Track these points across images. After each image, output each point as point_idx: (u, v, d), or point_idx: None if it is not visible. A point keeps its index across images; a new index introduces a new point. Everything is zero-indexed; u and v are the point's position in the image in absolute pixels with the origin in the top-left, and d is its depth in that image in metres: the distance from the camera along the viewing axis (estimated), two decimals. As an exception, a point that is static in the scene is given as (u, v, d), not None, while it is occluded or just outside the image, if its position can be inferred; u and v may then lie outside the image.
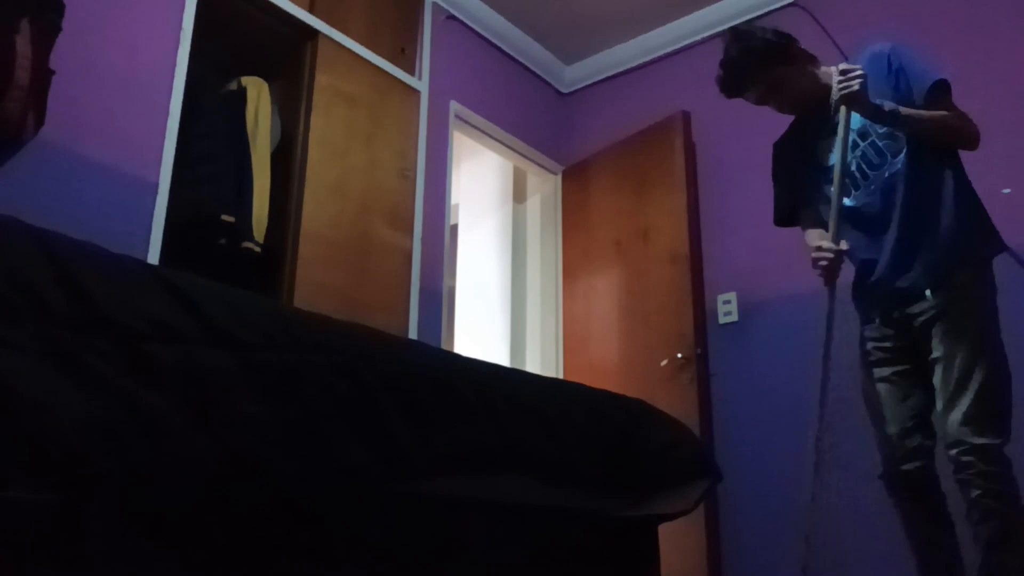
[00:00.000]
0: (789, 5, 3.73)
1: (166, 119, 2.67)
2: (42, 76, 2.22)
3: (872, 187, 2.17)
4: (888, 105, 2.05)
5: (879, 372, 2.18)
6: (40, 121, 2.26)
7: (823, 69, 2.25)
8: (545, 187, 4.44)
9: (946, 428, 2.00)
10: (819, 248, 2.16)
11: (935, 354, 2.04)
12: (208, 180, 2.89)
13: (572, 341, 4.06)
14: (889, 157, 2.16)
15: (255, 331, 1.16)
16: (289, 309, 2.08)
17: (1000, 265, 2.88)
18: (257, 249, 2.93)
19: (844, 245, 2.16)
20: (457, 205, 4.54)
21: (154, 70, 2.69)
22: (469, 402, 1.42)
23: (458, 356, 1.68)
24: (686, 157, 3.72)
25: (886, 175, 2.15)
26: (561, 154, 4.42)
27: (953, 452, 1.97)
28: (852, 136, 2.17)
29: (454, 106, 3.80)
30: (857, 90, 2.01)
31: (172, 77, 2.72)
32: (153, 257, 2.53)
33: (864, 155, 2.19)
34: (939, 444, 2.09)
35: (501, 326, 4.27)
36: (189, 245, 2.81)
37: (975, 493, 1.94)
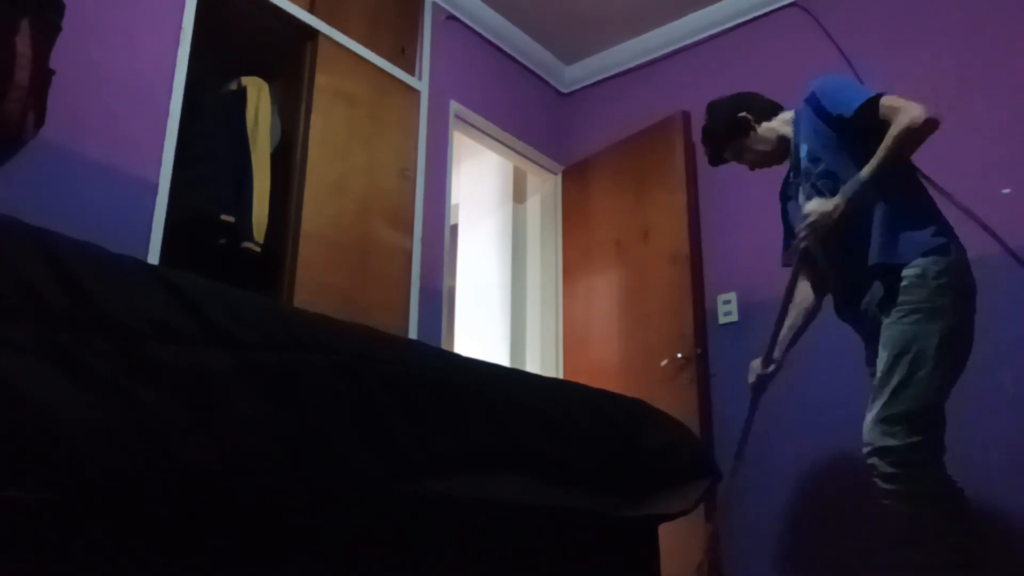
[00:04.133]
0: (789, 5, 3.73)
1: (166, 119, 2.67)
2: (42, 76, 2.22)
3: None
4: (848, 190, 2.15)
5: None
6: (40, 121, 2.26)
7: (782, 115, 2.46)
8: (545, 187, 4.44)
9: (864, 428, 2.08)
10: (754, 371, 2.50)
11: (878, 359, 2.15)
12: (208, 180, 2.89)
13: (572, 341, 4.06)
14: (828, 196, 2.24)
15: (255, 331, 1.16)
16: (289, 309, 2.08)
17: (1000, 265, 2.89)
18: (257, 249, 2.93)
19: (771, 368, 2.48)
20: (457, 205, 4.54)
21: (154, 70, 2.68)
22: (469, 402, 1.42)
23: (458, 356, 1.68)
24: (686, 157, 3.72)
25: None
26: (561, 154, 4.42)
27: (863, 451, 2.05)
28: (806, 183, 2.34)
29: (454, 106, 3.80)
30: (810, 243, 2.22)
31: (172, 77, 2.72)
32: (153, 257, 2.53)
33: (808, 196, 2.30)
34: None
35: (501, 326, 4.27)
36: (189, 245, 2.81)
37: (880, 494, 2.01)
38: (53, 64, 2.26)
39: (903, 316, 2.07)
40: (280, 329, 1.21)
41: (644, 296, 3.72)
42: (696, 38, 4.05)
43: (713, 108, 2.57)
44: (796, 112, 2.41)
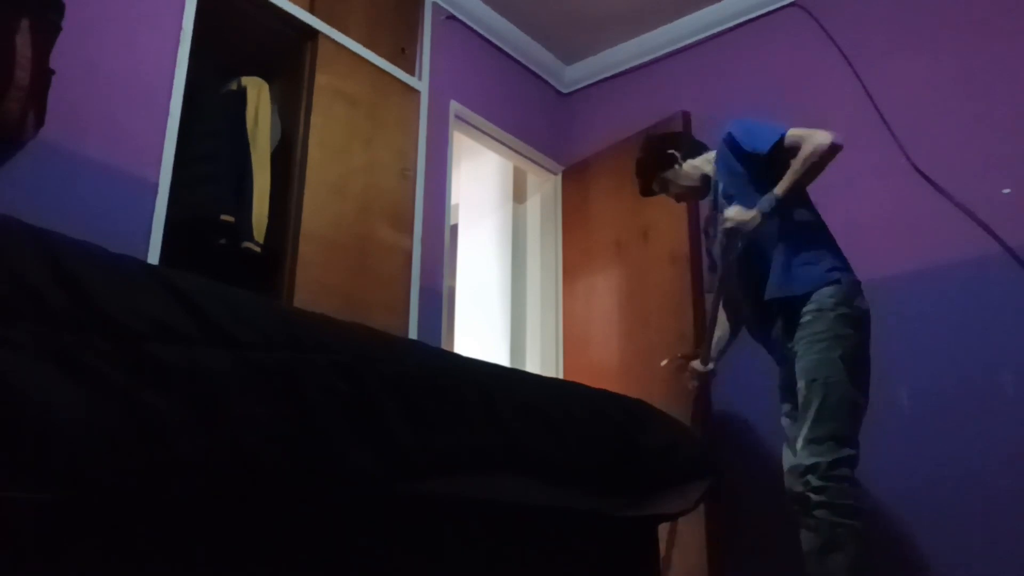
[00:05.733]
0: (789, 5, 3.73)
1: (166, 119, 2.67)
2: (42, 76, 2.22)
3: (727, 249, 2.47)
4: (764, 204, 2.30)
5: (781, 405, 2.48)
6: (40, 121, 2.26)
7: (706, 155, 2.66)
8: (545, 187, 4.44)
9: (797, 455, 2.24)
10: (694, 371, 2.68)
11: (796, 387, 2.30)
12: (208, 180, 2.89)
13: (572, 341, 4.06)
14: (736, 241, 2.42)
15: (255, 331, 1.16)
16: (289, 309, 2.08)
17: (1000, 265, 2.89)
18: (257, 249, 2.93)
19: (711, 366, 2.67)
20: (457, 205, 4.53)
21: (154, 70, 2.68)
22: (469, 402, 1.42)
23: (458, 356, 1.68)
24: (686, 157, 3.72)
25: (739, 250, 2.43)
26: (561, 154, 4.42)
27: (797, 474, 2.22)
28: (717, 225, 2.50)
29: (454, 106, 3.80)
30: (731, 234, 2.35)
31: (172, 77, 2.71)
32: (153, 257, 2.53)
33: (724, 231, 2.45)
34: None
35: (501, 326, 4.27)
36: (189, 245, 2.81)
37: (810, 506, 2.16)
38: (53, 64, 2.26)
39: (809, 346, 2.25)
40: (280, 329, 1.21)
41: (644, 296, 3.72)
42: (696, 38, 4.05)
43: (645, 142, 2.82)
44: (717, 152, 2.57)
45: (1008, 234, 2.89)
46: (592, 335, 3.96)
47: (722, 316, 2.67)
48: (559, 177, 4.40)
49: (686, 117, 3.79)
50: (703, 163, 2.65)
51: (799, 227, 2.37)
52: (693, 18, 4.06)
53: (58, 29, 2.28)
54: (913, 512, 2.81)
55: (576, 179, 4.29)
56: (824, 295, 2.26)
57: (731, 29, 3.92)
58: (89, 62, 2.48)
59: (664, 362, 3.50)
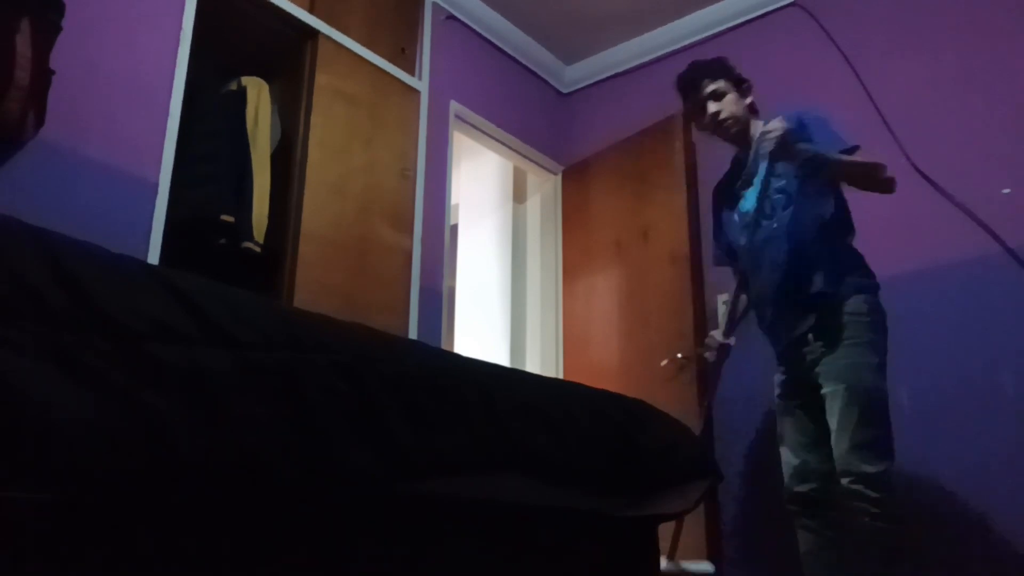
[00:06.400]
0: (789, 5, 3.73)
1: (166, 119, 2.67)
2: (42, 76, 2.22)
3: (764, 237, 2.40)
4: (811, 150, 2.24)
5: (784, 404, 2.44)
6: (40, 121, 2.26)
7: (756, 120, 2.53)
8: (545, 187, 4.44)
9: (837, 460, 2.20)
10: (710, 340, 2.67)
11: (824, 389, 2.26)
12: (208, 180, 2.89)
13: (572, 341, 4.06)
14: (779, 211, 2.36)
15: (255, 331, 1.16)
16: (289, 309, 2.08)
17: (1000, 265, 2.89)
18: (257, 249, 2.93)
19: (732, 340, 2.63)
20: (457, 205, 4.53)
21: (154, 70, 2.68)
22: (469, 402, 1.42)
23: (458, 356, 1.68)
24: (686, 157, 3.72)
25: (775, 226, 2.37)
26: (561, 154, 4.42)
27: (844, 480, 2.17)
28: (758, 190, 2.41)
29: (454, 106, 3.80)
30: (783, 136, 2.21)
31: (172, 77, 2.72)
32: (153, 257, 2.53)
33: (762, 209, 2.41)
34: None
35: (501, 326, 4.27)
36: (189, 245, 2.81)
37: (863, 518, 2.13)
38: (53, 64, 2.26)
39: (848, 349, 2.23)
40: (280, 329, 1.21)
41: (644, 296, 3.72)
42: (696, 38, 4.05)
43: (719, 58, 2.63)
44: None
45: (1008, 234, 2.89)
46: (592, 335, 3.96)
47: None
48: (559, 177, 4.40)
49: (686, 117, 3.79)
50: (751, 118, 2.53)
51: (841, 226, 2.36)
52: (693, 18, 4.06)
53: (58, 29, 2.28)
54: (913, 512, 2.81)
55: (576, 179, 4.29)
56: (861, 300, 2.27)
57: (731, 29, 3.92)
58: (89, 62, 2.48)
59: (664, 362, 3.51)
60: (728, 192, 2.59)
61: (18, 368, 0.90)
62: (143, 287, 1.08)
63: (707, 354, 2.70)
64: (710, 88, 2.49)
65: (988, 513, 2.69)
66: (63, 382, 0.93)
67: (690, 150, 3.75)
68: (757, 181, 2.42)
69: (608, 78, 4.43)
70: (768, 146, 2.22)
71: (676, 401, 3.19)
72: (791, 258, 2.34)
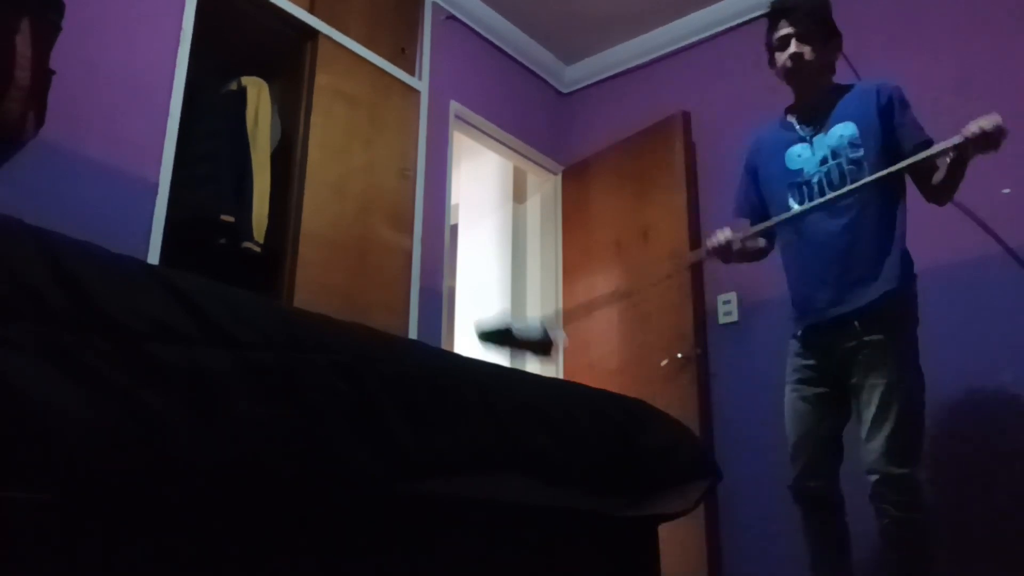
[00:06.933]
0: (789, 5, 3.72)
1: (166, 119, 2.67)
2: (42, 76, 2.22)
3: (824, 208, 2.27)
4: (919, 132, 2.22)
5: (801, 390, 2.31)
6: (40, 121, 2.26)
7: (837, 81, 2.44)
8: (545, 187, 4.44)
9: (864, 455, 2.12)
10: (721, 237, 2.39)
11: (854, 380, 2.17)
12: (208, 180, 2.89)
13: (572, 341, 4.06)
14: (848, 182, 2.25)
15: (255, 331, 1.16)
16: (289, 309, 2.08)
17: (1000, 265, 2.89)
18: (257, 249, 2.93)
19: (762, 243, 2.47)
20: (457, 205, 4.53)
21: (154, 70, 2.68)
22: (469, 402, 1.42)
23: (458, 356, 1.68)
24: (686, 157, 3.72)
25: (846, 204, 2.24)
26: (561, 154, 4.42)
27: (872, 479, 2.10)
28: (824, 152, 2.30)
29: (454, 106, 3.80)
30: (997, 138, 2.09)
31: (172, 77, 2.72)
32: (153, 257, 2.53)
33: (828, 174, 2.29)
34: (852, 467, 2.22)
35: (501, 326, 4.27)
36: (189, 245, 2.81)
37: (887, 519, 2.08)
38: (53, 64, 2.26)
39: (895, 347, 2.14)
40: (280, 329, 1.21)
41: (644, 296, 3.72)
42: (696, 38, 4.05)
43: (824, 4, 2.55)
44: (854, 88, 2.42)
45: (1008, 234, 2.89)
46: (592, 335, 3.96)
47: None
48: (559, 177, 4.40)
49: (686, 117, 3.79)
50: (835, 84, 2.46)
51: (902, 223, 2.25)
52: (693, 18, 4.06)
53: (58, 29, 2.28)
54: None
55: (576, 179, 4.30)
56: (908, 300, 2.21)
57: (731, 29, 3.92)
58: (89, 62, 2.48)
59: (664, 362, 3.51)
60: (777, 145, 2.45)
61: (18, 368, 0.90)
62: (143, 287, 1.09)
63: (710, 244, 2.44)
64: (800, 38, 2.44)
65: (988, 513, 2.69)
66: (63, 382, 0.93)
67: (690, 150, 3.75)
68: (834, 136, 2.31)
69: (608, 78, 4.43)
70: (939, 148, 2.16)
71: (676, 401, 3.19)
72: (859, 238, 2.21)
